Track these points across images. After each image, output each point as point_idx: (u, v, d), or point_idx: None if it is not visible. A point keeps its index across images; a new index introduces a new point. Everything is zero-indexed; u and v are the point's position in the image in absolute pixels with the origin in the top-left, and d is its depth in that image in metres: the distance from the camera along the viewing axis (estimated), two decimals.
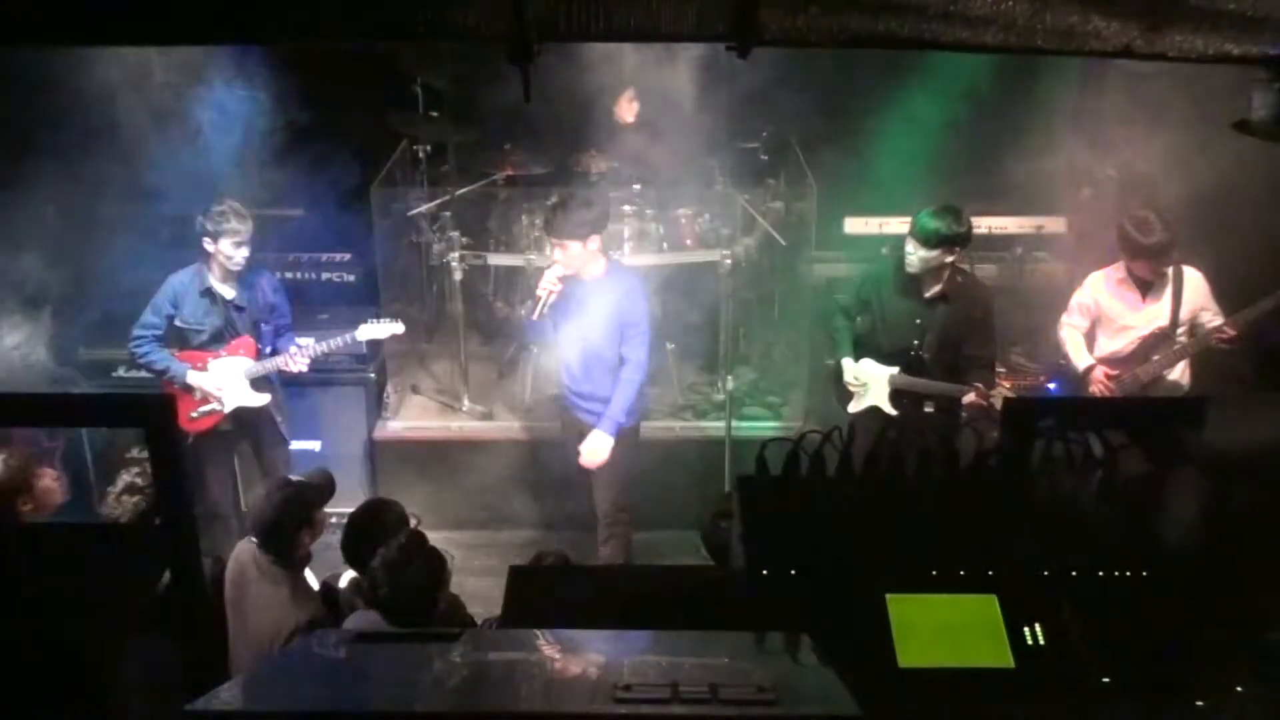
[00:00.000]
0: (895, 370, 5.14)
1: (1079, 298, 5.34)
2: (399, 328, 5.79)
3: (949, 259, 4.96)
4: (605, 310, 5.06)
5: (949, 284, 5.05)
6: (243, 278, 5.47)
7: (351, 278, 6.80)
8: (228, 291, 5.45)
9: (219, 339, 5.46)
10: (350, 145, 6.56)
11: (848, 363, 5.26)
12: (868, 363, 5.21)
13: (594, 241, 4.99)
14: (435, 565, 3.75)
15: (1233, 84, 2.24)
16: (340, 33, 1.99)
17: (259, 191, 6.26)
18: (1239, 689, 1.81)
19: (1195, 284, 5.12)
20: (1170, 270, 5.09)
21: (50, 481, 4.09)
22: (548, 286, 5.07)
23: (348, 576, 4.29)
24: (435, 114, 6.82)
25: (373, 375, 6.48)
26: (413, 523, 4.17)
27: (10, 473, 3.92)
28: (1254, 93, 2.08)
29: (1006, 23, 1.90)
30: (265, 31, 2.04)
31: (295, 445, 6.05)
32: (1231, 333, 4.96)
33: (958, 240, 4.90)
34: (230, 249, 5.29)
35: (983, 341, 5.14)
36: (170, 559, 1.97)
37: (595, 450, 5.16)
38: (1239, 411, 2.32)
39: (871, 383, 5.20)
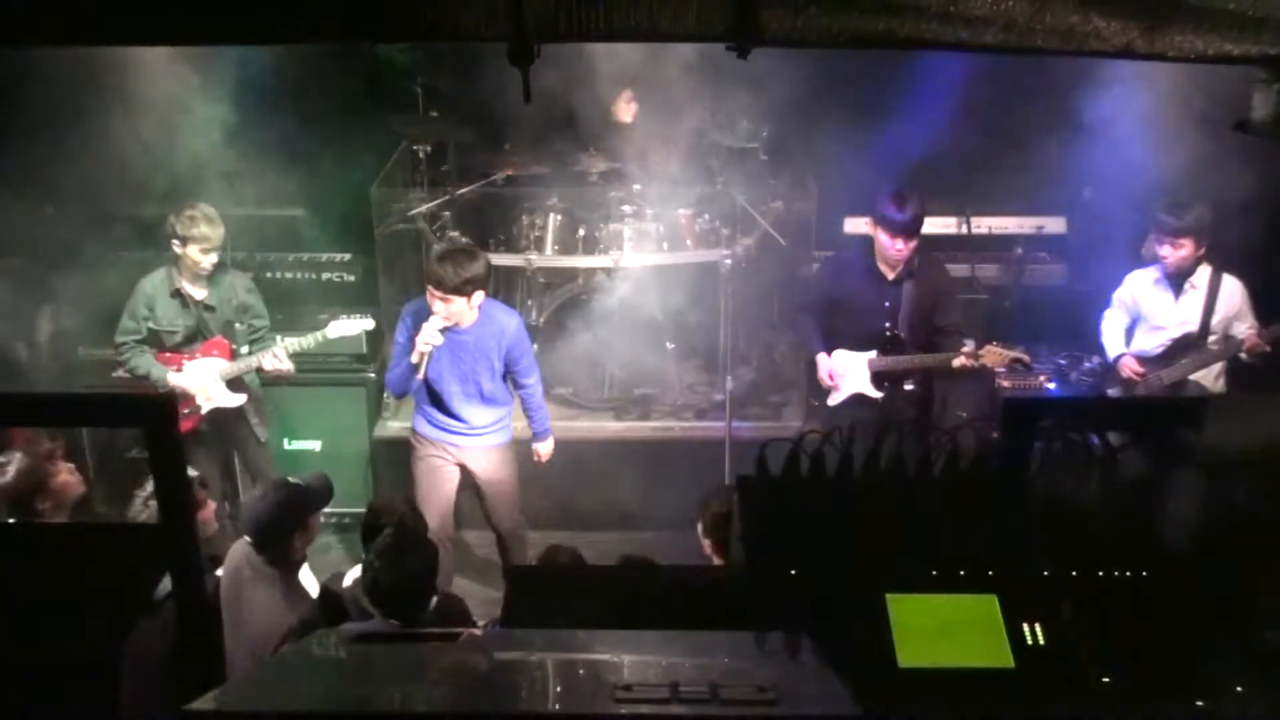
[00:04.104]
0: (873, 354, 5.29)
1: (1119, 293, 5.43)
2: (369, 324, 5.78)
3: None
4: (488, 348, 5.04)
5: (910, 261, 5.22)
6: (213, 278, 5.46)
7: (351, 278, 6.80)
8: (198, 292, 5.44)
9: (192, 340, 5.46)
10: (350, 145, 6.56)
11: (822, 358, 5.39)
12: (841, 353, 5.35)
13: (479, 296, 4.89)
14: (429, 554, 3.75)
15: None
16: (341, 33, 1.99)
17: (259, 191, 6.26)
18: (1239, 689, 1.81)
19: (1232, 292, 5.09)
20: (1208, 276, 5.06)
21: (68, 475, 4.09)
22: (430, 341, 4.84)
23: (351, 576, 4.28)
24: (435, 114, 6.82)
25: (373, 375, 6.48)
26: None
27: (20, 477, 3.92)
28: (1254, 93, 2.08)
29: (1006, 23, 1.90)
30: (266, 32, 2.05)
31: (295, 445, 6.04)
32: (1257, 342, 4.94)
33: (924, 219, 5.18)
34: (198, 254, 5.27)
35: (951, 308, 5.40)
36: (170, 559, 1.97)
37: (548, 453, 5.50)
38: (1239, 411, 2.32)
39: (850, 371, 5.30)
